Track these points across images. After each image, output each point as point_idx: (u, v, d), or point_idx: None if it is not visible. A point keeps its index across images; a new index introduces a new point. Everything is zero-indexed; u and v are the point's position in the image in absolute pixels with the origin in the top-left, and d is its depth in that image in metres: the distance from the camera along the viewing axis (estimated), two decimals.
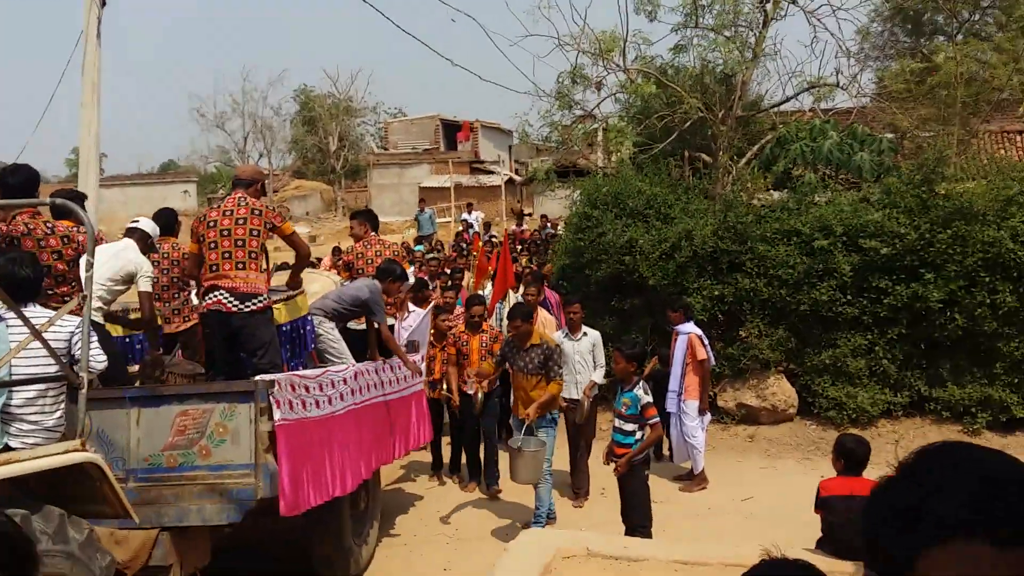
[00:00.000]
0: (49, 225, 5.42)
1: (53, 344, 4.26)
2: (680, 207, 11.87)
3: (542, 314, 9.54)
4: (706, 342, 8.90)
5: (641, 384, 6.70)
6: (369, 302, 7.06)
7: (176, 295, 7.11)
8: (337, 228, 32.39)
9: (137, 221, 6.70)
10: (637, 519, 6.68)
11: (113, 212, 29.31)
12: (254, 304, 5.83)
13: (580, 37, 15.36)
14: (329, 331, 6.94)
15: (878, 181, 12.53)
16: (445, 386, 9.02)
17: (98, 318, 5.82)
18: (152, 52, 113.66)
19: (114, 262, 6.07)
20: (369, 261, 8.02)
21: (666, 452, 9.51)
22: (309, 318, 6.70)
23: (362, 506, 7.01)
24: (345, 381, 6.37)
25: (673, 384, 8.92)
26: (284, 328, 6.38)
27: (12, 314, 4.19)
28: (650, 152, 14.60)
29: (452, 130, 42.33)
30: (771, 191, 13.85)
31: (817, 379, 10.33)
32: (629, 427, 6.65)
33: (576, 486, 8.50)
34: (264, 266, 6.06)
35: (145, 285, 6.15)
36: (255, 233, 5.89)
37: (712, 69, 15.16)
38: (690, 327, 8.94)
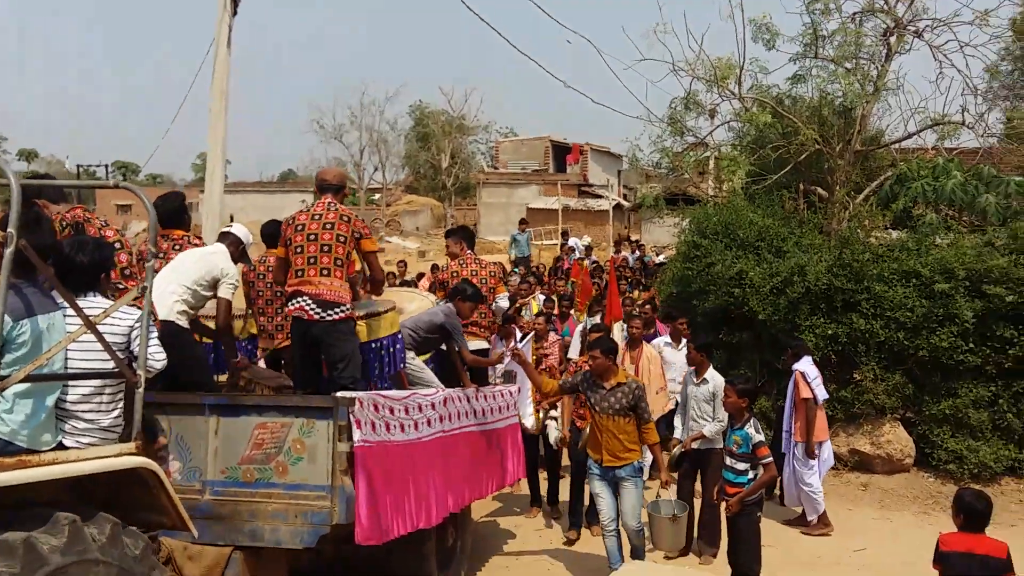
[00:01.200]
0: (103, 219, 5.22)
1: (110, 338, 4.01)
2: (793, 241, 11.60)
3: (647, 350, 9.22)
4: (811, 379, 8.44)
5: (752, 422, 6.50)
6: (446, 325, 6.84)
7: (279, 310, 6.78)
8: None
9: (230, 226, 6.43)
10: (746, 562, 6.47)
11: (235, 218, 30.48)
12: (336, 313, 5.58)
13: (695, 63, 15.18)
14: (411, 360, 6.70)
15: (1005, 225, 11.92)
16: (541, 415, 8.55)
17: (182, 322, 5.63)
18: (275, 62, 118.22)
19: (200, 265, 5.79)
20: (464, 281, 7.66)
21: (777, 493, 9.20)
22: (399, 336, 6.39)
23: (450, 541, 6.66)
24: (433, 406, 6.04)
25: (785, 423, 8.65)
26: (372, 345, 6.13)
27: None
28: (763, 183, 14.32)
29: (562, 152, 42.55)
30: (889, 230, 13.35)
31: (936, 429, 9.83)
32: (741, 466, 6.45)
33: (705, 540, 7.71)
34: (347, 275, 5.84)
35: (225, 292, 5.82)
36: (342, 239, 5.66)
37: (831, 101, 14.74)
38: (800, 363, 8.54)
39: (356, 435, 4.90)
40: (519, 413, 8.06)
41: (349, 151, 50.24)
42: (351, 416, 4.89)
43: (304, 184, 48.44)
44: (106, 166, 50.53)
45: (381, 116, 50.27)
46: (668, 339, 9.88)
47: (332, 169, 6.45)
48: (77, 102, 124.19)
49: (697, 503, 7.75)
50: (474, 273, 7.74)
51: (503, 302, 8.04)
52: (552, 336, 9.58)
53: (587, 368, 6.83)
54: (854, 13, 14.19)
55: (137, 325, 4.15)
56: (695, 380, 7.74)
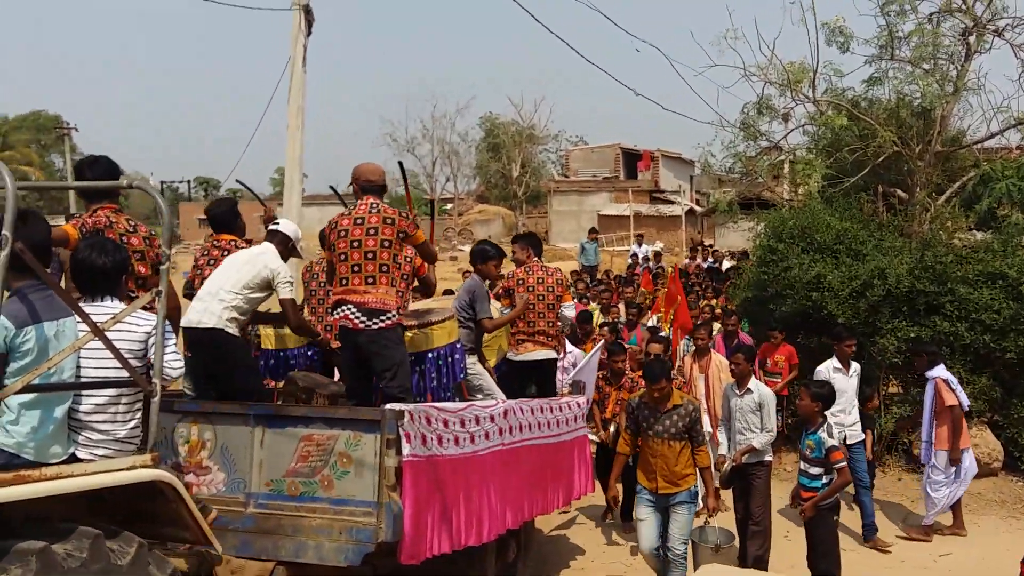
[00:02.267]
0: (132, 223, 4.88)
1: (125, 345, 3.81)
2: (872, 244, 11.45)
3: (716, 359, 8.95)
4: (955, 385, 8.28)
5: (826, 426, 6.53)
6: (472, 296, 6.66)
7: (330, 311, 6.26)
8: None
9: (277, 223, 6.01)
10: (824, 566, 6.48)
11: (311, 229, 31.02)
12: (382, 321, 5.37)
13: (767, 68, 15.10)
14: (471, 366, 6.49)
15: None
16: (612, 429, 8.20)
17: (232, 329, 5.37)
18: (348, 78, 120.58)
19: (248, 268, 5.50)
20: (530, 288, 7.39)
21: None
22: (459, 345, 6.20)
23: (511, 557, 6.47)
24: (493, 419, 5.77)
25: (924, 433, 8.38)
26: (429, 355, 5.97)
27: (88, 308, 3.76)
28: (840, 186, 14.15)
29: (633, 159, 42.46)
30: (973, 231, 13.11)
31: None
32: (814, 471, 6.48)
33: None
34: (398, 280, 5.55)
35: (285, 292, 5.51)
36: (386, 244, 5.42)
37: (909, 103, 14.50)
38: (937, 371, 8.35)
39: (405, 449, 4.69)
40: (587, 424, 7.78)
41: (421, 163, 50.93)
42: (400, 429, 4.68)
43: None
44: (188, 181, 52.35)
45: (452, 128, 50.69)
46: (836, 363, 8.64)
47: (373, 166, 5.88)
48: (162, 121, 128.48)
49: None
50: (540, 280, 7.45)
51: (569, 311, 7.68)
52: (633, 348, 9.50)
53: (653, 396, 6.42)
54: (931, 13, 13.94)
55: (155, 331, 3.91)
56: (738, 391, 7.37)
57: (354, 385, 5.70)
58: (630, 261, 23.61)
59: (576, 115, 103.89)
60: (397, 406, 4.80)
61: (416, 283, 6.46)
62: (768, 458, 7.37)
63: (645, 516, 6.55)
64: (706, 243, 27.71)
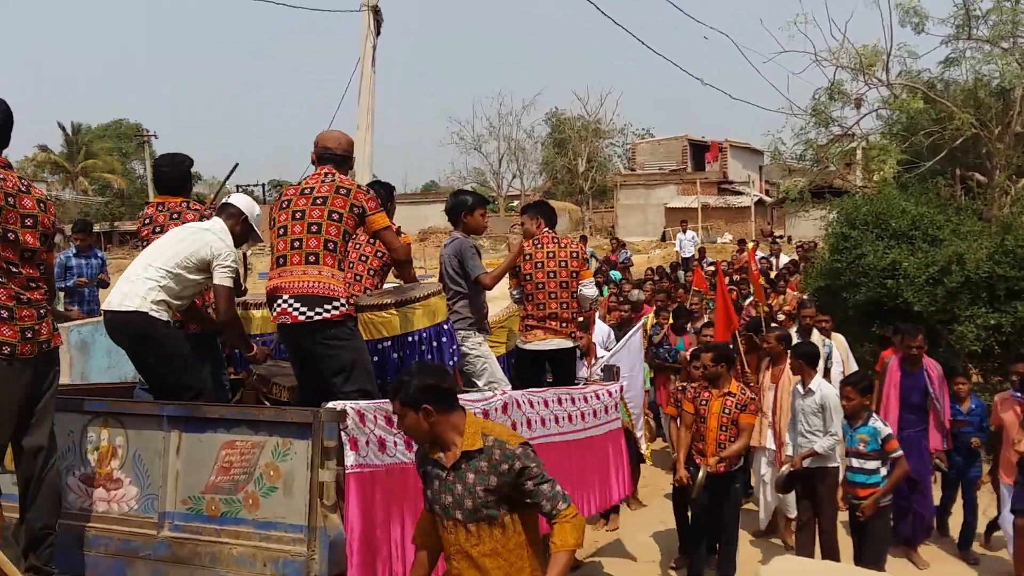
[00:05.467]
0: (25, 183, 3.95)
1: None
2: (950, 229, 11.18)
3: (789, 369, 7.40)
4: None
5: (873, 415, 6.30)
6: (460, 256, 5.67)
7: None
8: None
9: (230, 197, 5.11)
10: (875, 562, 6.02)
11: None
12: (327, 311, 4.36)
13: (839, 52, 14.97)
14: (474, 347, 5.58)
15: None
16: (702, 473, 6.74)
17: (160, 313, 4.48)
18: (415, 78, 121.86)
19: (186, 244, 4.60)
20: (539, 264, 6.29)
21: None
22: (447, 327, 5.21)
23: None
24: (486, 414, 4.60)
25: None
26: (408, 339, 5.01)
27: None
28: (915, 171, 13.86)
29: (700, 150, 42.09)
30: None
31: None
32: (871, 465, 6.14)
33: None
34: (345, 261, 4.71)
35: (221, 277, 4.55)
36: (336, 217, 4.46)
37: (987, 83, 14.17)
38: None
39: (350, 458, 3.75)
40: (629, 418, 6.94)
41: (488, 160, 51.24)
42: (342, 434, 3.73)
43: (445, 194, 49.60)
44: (262, 184, 53.37)
45: (518, 125, 50.79)
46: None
47: (335, 133, 4.93)
48: (235, 126, 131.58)
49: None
50: (551, 255, 6.34)
51: (588, 290, 6.44)
52: None
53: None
54: None
55: None
56: (801, 391, 6.78)
57: (306, 395, 4.65)
58: (677, 251, 22.69)
59: (642, 107, 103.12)
60: (338, 404, 3.80)
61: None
62: (833, 464, 6.68)
63: None
64: (777, 233, 27.27)
